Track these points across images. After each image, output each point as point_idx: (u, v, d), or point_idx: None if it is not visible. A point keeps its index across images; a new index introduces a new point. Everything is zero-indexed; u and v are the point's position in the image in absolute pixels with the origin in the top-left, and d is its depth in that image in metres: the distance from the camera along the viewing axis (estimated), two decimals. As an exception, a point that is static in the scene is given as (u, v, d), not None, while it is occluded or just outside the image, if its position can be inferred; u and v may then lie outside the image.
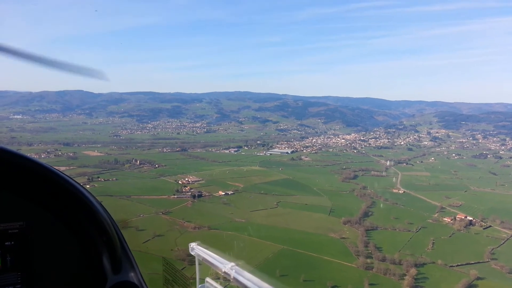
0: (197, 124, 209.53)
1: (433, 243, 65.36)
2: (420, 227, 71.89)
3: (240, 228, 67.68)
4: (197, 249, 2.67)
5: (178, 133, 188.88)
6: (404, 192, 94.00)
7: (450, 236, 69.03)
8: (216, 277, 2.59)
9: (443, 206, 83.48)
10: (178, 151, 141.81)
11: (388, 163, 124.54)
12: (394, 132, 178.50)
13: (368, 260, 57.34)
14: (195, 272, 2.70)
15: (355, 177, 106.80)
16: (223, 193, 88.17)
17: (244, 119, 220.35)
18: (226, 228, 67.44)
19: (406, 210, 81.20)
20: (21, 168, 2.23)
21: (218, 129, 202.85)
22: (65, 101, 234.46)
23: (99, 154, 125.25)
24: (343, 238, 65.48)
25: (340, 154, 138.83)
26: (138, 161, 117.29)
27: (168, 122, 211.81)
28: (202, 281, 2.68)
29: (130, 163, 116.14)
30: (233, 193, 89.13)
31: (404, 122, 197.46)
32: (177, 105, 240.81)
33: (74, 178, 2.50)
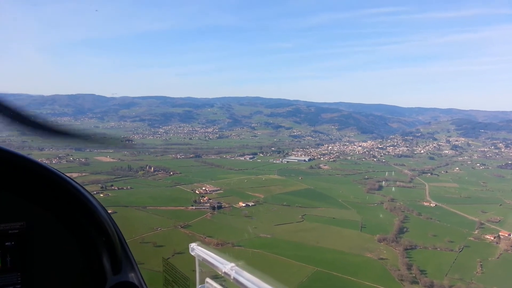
0: (209, 129, 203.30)
1: (481, 265, 57.93)
2: (463, 246, 64.47)
3: (266, 245, 60.85)
4: (197, 249, 2.67)
5: (191, 139, 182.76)
6: (436, 205, 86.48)
7: (498, 258, 61.46)
8: (216, 278, 2.55)
9: (482, 222, 75.94)
10: (192, 157, 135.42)
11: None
12: (411, 139, 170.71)
13: (415, 287, 50.23)
14: (195, 273, 2.66)
15: (380, 188, 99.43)
16: (243, 205, 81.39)
17: (256, 125, 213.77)
18: (251, 245, 60.57)
19: (442, 226, 73.82)
20: (21, 168, 2.23)
21: (231, 134, 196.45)
22: (77, 105, 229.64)
23: (111, 160, 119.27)
24: (382, 259, 58.21)
25: (359, 163, 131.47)
26: (152, 168, 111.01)
27: (180, 127, 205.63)
28: (202, 281, 2.65)
29: (144, 170, 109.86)
30: (254, 205, 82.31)
31: (421, 130, 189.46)
32: (189, 110, 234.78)
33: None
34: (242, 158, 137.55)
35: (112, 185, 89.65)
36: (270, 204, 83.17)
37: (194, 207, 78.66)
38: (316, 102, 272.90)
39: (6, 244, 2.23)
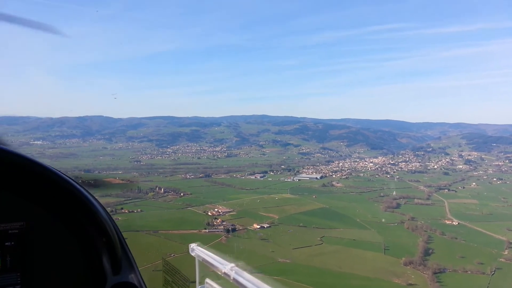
0: (217, 148, 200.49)
1: (518, 289, 53.67)
2: (495, 269, 59.98)
3: (286, 271, 56.92)
4: (197, 249, 2.69)
5: (199, 158, 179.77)
6: (458, 223, 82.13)
7: (534, 281, 57.14)
8: (216, 278, 2.56)
9: (510, 241, 71.46)
10: (201, 177, 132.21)
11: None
12: (423, 155, 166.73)
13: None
14: (195, 273, 2.68)
15: (398, 205, 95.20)
16: (258, 227, 77.58)
17: (264, 143, 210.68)
18: (271, 271, 56.40)
19: (469, 246, 69.42)
20: (21, 168, 2.22)
21: (239, 153, 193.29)
22: (85, 126, 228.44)
23: (120, 181, 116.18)
24: (411, 284, 54.07)
25: (373, 180, 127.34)
26: (162, 189, 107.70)
27: (188, 146, 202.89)
28: (202, 281, 2.68)
29: (153, 191, 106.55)
30: (270, 226, 78.45)
31: (432, 145, 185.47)
32: (196, 129, 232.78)
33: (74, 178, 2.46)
34: (252, 177, 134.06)
35: (122, 208, 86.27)
36: (286, 225, 79.29)
37: (207, 230, 74.98)
38: (323, 119, 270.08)
39: (6, 244, 2.22)
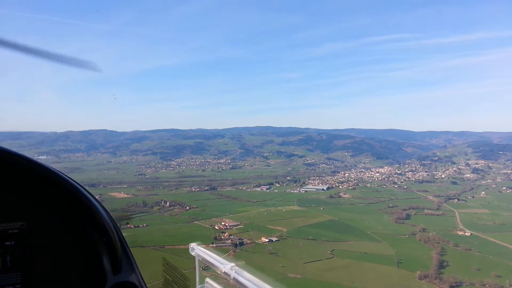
0: (222, 160, 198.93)
1: (540, 304, 51.40)
2: (514, 282, 57.88)
3: (298, 287, 54.94)
4: (197, 249, 2.73)
5: (204, 170, 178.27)
6: (471, 234, 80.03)
7: (555, 294, 54.85)
8: (216, 278, 2.57)
9: (527, 252, 69.27)
10: (207, 190, 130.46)
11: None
12: (429, 164, 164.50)
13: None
14: (195, 273, 2.71)
15: (408, 216, 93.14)
16: (266, 240, 75.68)
17: (269, 154, 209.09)
18: None
19: (484, 258, 67.18)
20: (21, 168, 2.24)
21: (244, 165, 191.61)
22: (90, 140, 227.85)
23: (126, 195, 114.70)
24: (428, 300, 52.04)
25: (380, 190, 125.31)
26: (167, 203, 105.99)
27: (192, 158, 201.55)
28: (202, 281, 2.69)
29: (159, 205, 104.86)
30: (278, 240, 76.52)
31: (438, 154, 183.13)
32: (200, 141, 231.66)
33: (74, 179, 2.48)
34: (258, 189, 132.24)
35: (127, 223, 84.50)
36: (295, 238, 77.35)
37: (214, 245, 73.00)
38: (327, 129, 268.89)
39: (6, 243, 2.23)
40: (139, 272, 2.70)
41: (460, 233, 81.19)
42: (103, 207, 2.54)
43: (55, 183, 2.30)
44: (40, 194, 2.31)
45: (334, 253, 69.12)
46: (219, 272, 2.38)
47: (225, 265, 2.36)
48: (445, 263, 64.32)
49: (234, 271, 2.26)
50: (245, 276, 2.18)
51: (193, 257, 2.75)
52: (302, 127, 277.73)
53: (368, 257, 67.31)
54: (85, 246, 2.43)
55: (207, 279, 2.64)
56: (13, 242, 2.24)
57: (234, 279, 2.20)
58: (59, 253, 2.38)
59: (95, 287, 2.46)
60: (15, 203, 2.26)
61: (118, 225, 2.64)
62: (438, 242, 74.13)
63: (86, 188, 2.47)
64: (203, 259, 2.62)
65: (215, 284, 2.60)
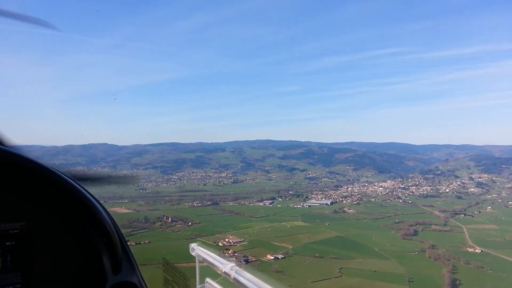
0: (223, 174, 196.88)
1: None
2: (531, 302, 55.67)
3: (307, 308, 52.62)
4: (197, 249, 2.75)
5: (205, 184, 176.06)
6: (481, 251, 77.76)
7: None
8: (216, 278, 2.60)
9: (541, 270, 67.01)
10: (209, 205, 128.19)
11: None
12: (433, 178, 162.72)
13: None
14: (195, 272, 2.74)
15: (415, 233, 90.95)
16: (272, 258, 73.37)
17: (270, 168, 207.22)
18: (290, 309, 52.41)
19: (498, 277, 64.88)
20: (22, 169, 2.22)
21: (245, 178, 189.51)
22: (90, 154, 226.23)
23: (127, 211, 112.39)
24: (445, 322, 49.71)
25: (385, 205, 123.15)
26: (169, 219, 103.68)
27: (193, 172, 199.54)
28: (202, 281, 2.72)
29: (161, 220, 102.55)
30: (284, 257, 74.23)
31: (440, 167, 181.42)
32: (201, 155, 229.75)
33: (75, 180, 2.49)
34: (261, 204, 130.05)
35: (128, 240, 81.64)
36: (301, 256, 75.01)
37: (219, 263, 70.86)
38: (328, 143, 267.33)
39: (6, 244, 2.22)
40: (140, 272, 2.65)
41: (470, 250, 78.95)
42: (103, 207, 2.49)
43: (55, 183, 2.28)
44: (40, 194, 2.29)
45: (343, 272, 66.78)
46: (219, 272, 2.34)
47: (225, 265, 2.34)
48: (458, 282, 62.10)
49: (234, 271, 2.25)
50: (245, 276, 2.16)
51: (193, 256, 2.69)
52: (303, 141, 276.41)
53: (378, 275, 65.00)
54: (85, 246, 2.41)
55: (207, 279, 2.60)
56: (13, 242, 2.23)
57: (234, 279, 2.19)
58: (59, 253, 2.37)
59: (95, 287, 2.44)
60: (15, 203, 2.26)
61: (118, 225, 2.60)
62: (448, 260, 71.90)
63: (86, 188, 2.44)
64: (203, 259, 2.58)
65: (215, 284, 2.57)
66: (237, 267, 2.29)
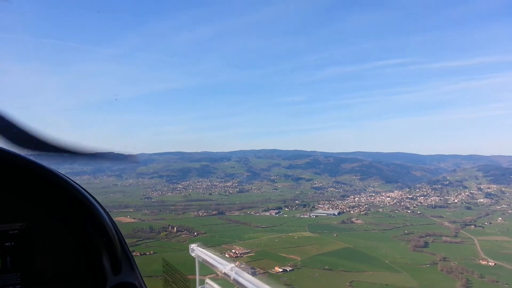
0: (228, 184, 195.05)
1: None
2: (551, 319, 53.20)
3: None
4: (197, 250, 2.73)
5: (210, 194, 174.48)
6: (495, 264, 75.22)
7: None
8: (216, 278, 2.59)
9: (559, 285, 64.48)
10: (214, 214, 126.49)
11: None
12: (441, 188, 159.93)
13: None
14: (195, 273, 2.71)
15: (426, 244, 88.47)
16: (280, 270, 71.35)
17: (276, 177, 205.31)
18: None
19: (515, 292, 62.53)
20: (21, 169, 2.23)
21: (251, 188, 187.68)
22: (96, 163, 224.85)
23: (132, 220, 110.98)
24: None
25: (394, 215, 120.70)
26: (174, 228, 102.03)
27: (199, 181, 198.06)
28: (202, 282, 2.72)
29: (166, 230, 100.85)
30: (292, 269, 72.22)
31: (448, 178, 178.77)
32: (206, 164, 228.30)
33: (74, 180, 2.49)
34: (267, 214, 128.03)
35: (133, 251, 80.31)
36: (310, 268, 72.92)
37: (226, 275, 68.94)
38: (334, 152, 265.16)
39: (6, 244, 2.23)
40: (139, 273, 2.64)
41: (483, 262, 76.45)
42: (102, 207, 2.47)
43: (55, 183, 2.29)
44: (40, 194, 2.29)
45: (353, 285, 64.69)
46: (219, 273, 2.33)
47: (225, 266, 2.36)
48: (473, 297, 59.69)
49: (234, 272, 2.27)
50: (244, 277, 2.19)
51: (193, 257, 2.64)
52: (308, 150, 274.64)
53: (391, 290, 62.80)
54: (85, 247, 2.41)
55: (207, 280, 2.57)
56: (13, 243, 2.24)
57: (234, 280, 2.22)
58: (59, 254, 2.36)
59: None
60: (14, 203, 2.26)
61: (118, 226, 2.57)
62: (461, 273, 69.55)
63: (87, 189, 2.42)
64: (203, 260, 2.55)
65: (215, 285, 2.54)
66: (236, 268, 2.29)
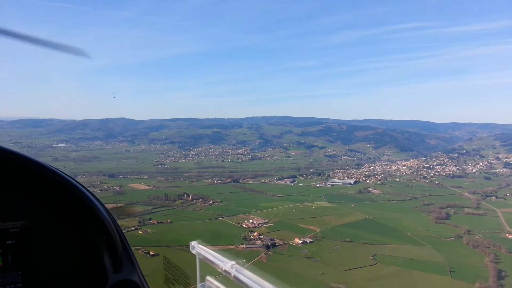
0: (240, 151, 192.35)
1: None
2: None
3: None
4: (197, 247, 2.72)
5: (223, 161, 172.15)
6: (522, 238, 72.16)
7: None
8: (217, 276, 2.62)
9: None
10: (228, 182, 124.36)
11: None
12: (457, 157, 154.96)
13: None
14: (195, 270, 2.71)
15: (448, 216, 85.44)
16: (300, 242, 69.06)
17: (288, 145, 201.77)
18: (326, 300, 48.13)
19: (547, 268, 59.45)
20: (22, 168, 2.24)
21: (264, 155, 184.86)
22: (108, 129, 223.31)
23: (146, 187, 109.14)
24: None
25: (411, 185, 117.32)
26: (190, 196, 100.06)
27: (210, 148, 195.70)
28: (203, 279, 2.71)
29: (181, 198, 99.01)
30: (313, 241, 69.89)
31: (464, 147, 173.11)
32: (218, 131, 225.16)
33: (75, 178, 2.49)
34: (282, 182, 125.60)
35: (150, 219, 78.86)
36: (331, 240, 70.56)
37: (244, 246, 66.88)
38: (346, 120, 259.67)
39: (7, 242, 2.22)
40: (140, 270, 2.62)
41: (510, 236, 73.35)
42: (102, 204, 2.47)
43: (55, 181, 2.29)
44: (40, 193, 2.30)
45: (377, 259, 62.16)
46: (219, 270, 2.36)
47: (225, 263, 2.35)
48: (503, 273, 56.85)
49: (234, 269, 2.25)
50: (245, 274, 2.17)
51: (193, 254, 2.70)
52: (321, 117, 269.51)
53: (415, 264, 60.17)
54: (86, 245, 2.41)
55: (208, 277, 2.58)
56: (14, 241, 2.24)
57: (235, 277, 2.20)
58: (60, 252, 2.38)
59: (96, 286, 2.44)
60: (15, 202, 2.25)
61: (118, 222, 2.57)
62: (488, 247, 66.63)
63: (87, 187, 2.43)
64: (204, 257, 2.57)
65: (215, 282, 2.56)
66: (237, 265, 2.22)
